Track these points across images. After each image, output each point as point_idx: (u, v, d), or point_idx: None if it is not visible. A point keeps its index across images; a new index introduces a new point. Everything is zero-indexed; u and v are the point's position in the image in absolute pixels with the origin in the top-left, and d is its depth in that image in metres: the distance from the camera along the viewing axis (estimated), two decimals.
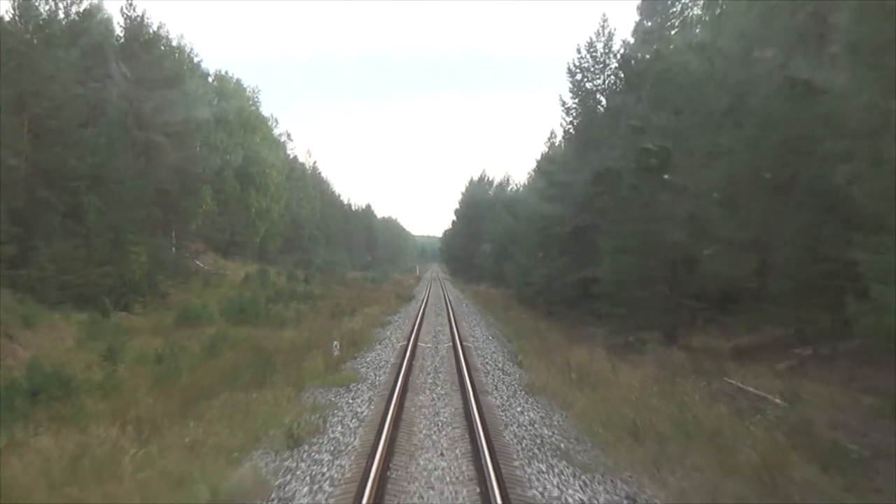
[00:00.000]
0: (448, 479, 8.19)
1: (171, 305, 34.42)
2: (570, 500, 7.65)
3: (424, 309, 36.39)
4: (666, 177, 22.31)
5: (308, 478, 8.20)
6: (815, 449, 10.60)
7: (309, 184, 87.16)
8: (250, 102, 70.36)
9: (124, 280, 32.39)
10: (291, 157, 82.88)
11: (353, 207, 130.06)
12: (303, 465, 8.76)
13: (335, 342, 19.57)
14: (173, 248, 44.91)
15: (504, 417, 11.73)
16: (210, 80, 64.36)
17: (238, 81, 68.29)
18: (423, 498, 7.48)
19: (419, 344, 21.36)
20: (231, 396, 13.01)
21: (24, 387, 11.53)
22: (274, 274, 52.67)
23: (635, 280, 22.82)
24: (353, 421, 11.25)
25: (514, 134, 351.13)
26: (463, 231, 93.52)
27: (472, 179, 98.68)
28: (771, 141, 17.78)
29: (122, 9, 40.27)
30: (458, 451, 9.32)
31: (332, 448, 9.51)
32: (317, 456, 9.15)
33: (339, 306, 36.40)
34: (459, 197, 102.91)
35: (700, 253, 22.18)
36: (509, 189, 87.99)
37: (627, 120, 26.23)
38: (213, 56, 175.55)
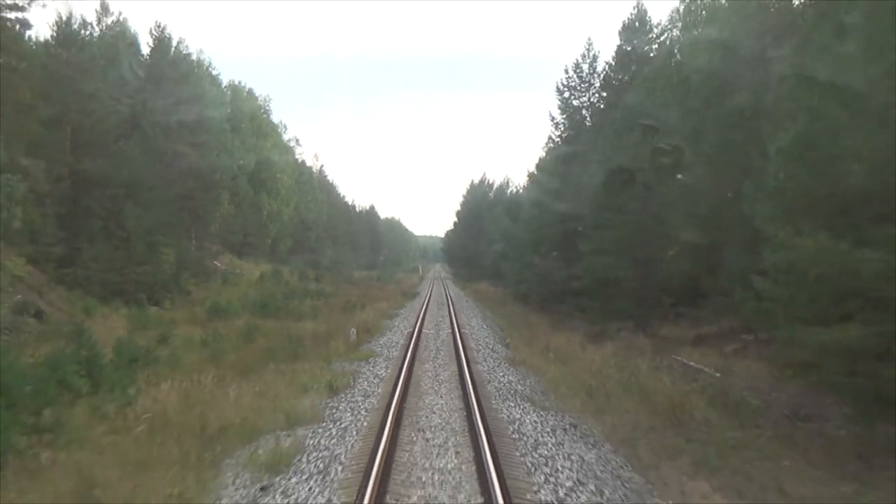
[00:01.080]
0: (444, 408, 11.87)
1: (194, 302, 38.05)
2: (527, 420, 11.31)
3: (427, 304, 40.04)
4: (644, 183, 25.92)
5: (349, 409, 11.89)
6: (726, 402, 14.27)
7: (316, 187, 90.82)
8: (262, 110, 74.12)
9: (156, 278, 36.04)
10: (300, 161, 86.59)
11: (357, 209, 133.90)
12: (343, 403, 12.43)
13: (352, 329, 23.22)
14: (194, 250, 48.56)
15: (488, 378, 15.40)
16: (224, 87, 68.00)
17: (250, 91, 72.19)
18: (428, 417, 11.14)
19: (423, 331, 25.02)
20: (276, 367, 16.62)
21: (124, 356, 15.13)
22: (287, 273, 56.35)
23: (610, 277, 26.41)
24: (375, 379, 14.94)
25: (517, 131, 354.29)
26: (464, 232, 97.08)
27: (472, 182, 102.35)
28: (721, 164, 21.34)
29: (150, 30, 43.99)
30: (452, 395, 13.00)
31: (362, 393, 13.22)
32: (352, 398, 12.83)
33: (350, 302, 40.05)
34: (461, 199, 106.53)
35: (665, 254, 25.77)
36: (509, 191, 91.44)
37: (606, 136, 29.84)
38: (218, 55, 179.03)
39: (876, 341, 10.46)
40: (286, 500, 7.39)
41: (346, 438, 9.90)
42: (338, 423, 10.93)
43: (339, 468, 8.41)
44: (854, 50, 11.28)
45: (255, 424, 10.45)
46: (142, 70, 42.42)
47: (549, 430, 10.85)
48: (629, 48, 35.26)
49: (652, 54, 35.02)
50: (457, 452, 9.11)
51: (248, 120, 67.77)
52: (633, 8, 34.12)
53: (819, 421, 12.94)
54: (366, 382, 14.57)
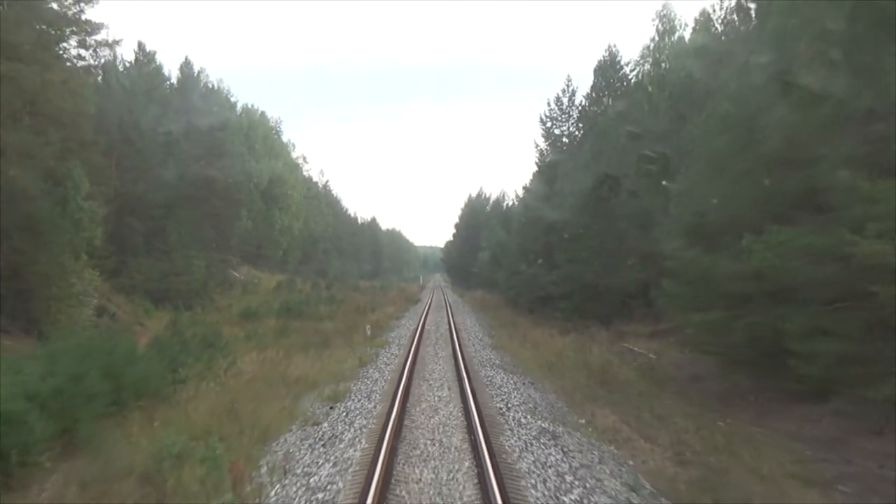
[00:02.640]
0: (441, 370, 17.23)
1: (219, 308, 43.29)
2: (498, 377, 16.63)
3: (428, 308, 45.36)
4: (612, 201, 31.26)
5: (376, 371, 17.25)
6: (650, 373, 19.56)
7: (322, 201, 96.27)
8: (273, 131, 79.68)
9: (190, 287, 41.36)
10: (307, 177, 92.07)
11: (359, 220, 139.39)
12: (370, 369, 17.77)
13: (367, 326, 28.50)
14: (218, 262, 53.84)
15: (475, 356, 20.73)
16: (238, 111, 73.47)
17: (263, 113, 77.73)
18: (430, 374, 16.46)
19: (426, 327, 30.38)
20: (314, 352, 21.86)
21: (203, 342, 20.35)
22: (300, 282, 61.65)
23: (580, 282, 31.70)
24: (391, 357, 20.31)
25: (517, 139, 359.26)
26: (462, 243, 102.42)
27: (470, 196, 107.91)
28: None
29: (180, 66, 49.51)
30: (447, 365, 18.34)
31: (383, 364, 18.60)
32: (376, 367, 18.23)
33: (360, 307, 45.27)
34: (459, 211, 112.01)
35: (625, 263, 31.04)
36: (505, 204, 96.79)
37: (582, 161, 35.25)
38: (214, 64, 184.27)
39: (728, 321, 15.74)
40: (351, 406, 12.70)
41: (378, 384, 15.27)
42: (370, 378, 16.28)
43: (378, 396, 13.76)
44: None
45: (315, 379, 15.77)
46: (173, 102, 47.79)
47: (511, 383, 16.17)
48: (603, 83, 40.64)
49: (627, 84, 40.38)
50: (449, 388, 14.47)
51: (261, 140, 73.27)
52: (606, 51, 39.55)
53: (706, 380, 18.26)
54: (384, 358, 19.94)
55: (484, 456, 8.92)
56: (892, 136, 11.64)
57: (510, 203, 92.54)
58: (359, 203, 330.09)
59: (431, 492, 7.90)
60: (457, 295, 77.37)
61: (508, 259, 52.76)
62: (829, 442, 11.92)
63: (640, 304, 32.45)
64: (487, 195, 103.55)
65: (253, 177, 65.55)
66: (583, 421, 13.26)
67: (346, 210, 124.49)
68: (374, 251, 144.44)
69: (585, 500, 7.83)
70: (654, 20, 41.57)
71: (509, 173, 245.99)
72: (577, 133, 40.77)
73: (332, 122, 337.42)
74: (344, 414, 12.38)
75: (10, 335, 23.47)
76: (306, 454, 9.68)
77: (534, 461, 9.32)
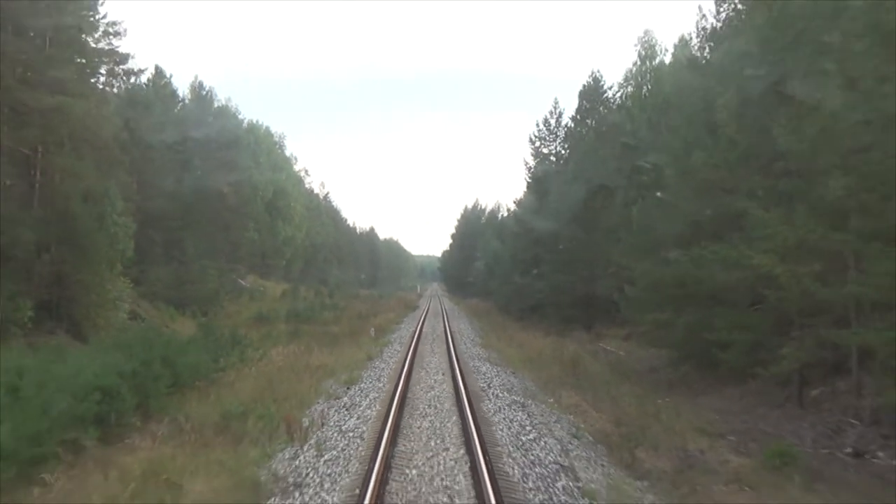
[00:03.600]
0: (437, 363, 20.55)
1: (229, 314, 46.46)
2: (484, 368, 19.91)
3: (426, 315, 48.65)
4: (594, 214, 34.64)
5: (381, 363, 20.62)
6: (617, 368, 22.81)
7: (323, 213, 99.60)
8: (277, 146, 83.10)
9: (204, 294, 44.57)
10: (309, 189, 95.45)
11: (357, 230, 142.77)
12: (377, 361, 21.12)
13: (372, 328, 31.78)
14: (227, 271, 57.11)
15: (466, 352, 24.04)
16: (244, 127, 76.77)
17: (267, 129, 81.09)
18: (428, 364, 19.75)
19: (423, 330, 33.64)
20: (327, 349, 25.09)
21: (229, 340, 23.57)
22: (304, 290, 64.90)
23: (564, 290, 35.04)
24: (394, 352, 23.61)
25: (512, 151, 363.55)
26: (459, 253, 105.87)
27: (466, 207, 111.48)
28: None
29: (191, 86, 52.91)
30: (442, 358, 21.67)
31: (388, 358, 21.92)
32: (382, 360, 21.56)
33: (362, 313, 48.51)
34: (455, 222, 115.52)
35: (605, 272, 34.36)
36: (499, 215, 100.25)
37: (567, 179, 38.63)
38: (211, 73, 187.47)
39: (673, 320, 19.05)
40: (364, 386, 16.00)
41: (385, 371, 18.61)
42: (377, 368, 19.63)
43: (385, 379, 17.09)
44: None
45: (332, 368, 19.05)
46: (187, 121, 51.10)
47: (494, 372, 19.49)
48: (587, 106, 44.05)
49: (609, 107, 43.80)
50: (442, 374, 17.80)
51: (265, 155, 76.64)
52: (590, 76, 42.97)
53: (660, 371, 21.58)
54: (388, 354, 23.26)
55: (467, 413, 12.18)
56: (788, 173, 15.03)
57: (504, 214, 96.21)
58: (357, 211, 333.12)
59: (429, 433, 11.18)
60: (453, 303, 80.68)
61: (501, 269, 56.12)
62: (738, 412, 15.24)
63: (618, 310, 35.82)
64: (483, 206, 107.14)
65: (258, 190, 68.81)
66: (550, 399, 16.50)
67: (346, 220, 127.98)
68: (373, 260, 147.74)
69: (538, 439, 11.10)
70: (636, 45, 45.09)
71: (505, 184, 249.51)
72: (563, 152, 44.17)
73: (328, 131, 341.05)
74: (359, 391, 15.67)
75: (56, 336, 26.62)
76: (335, 414, 12.97)
77: (504, 418, 12.61)
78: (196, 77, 56.83)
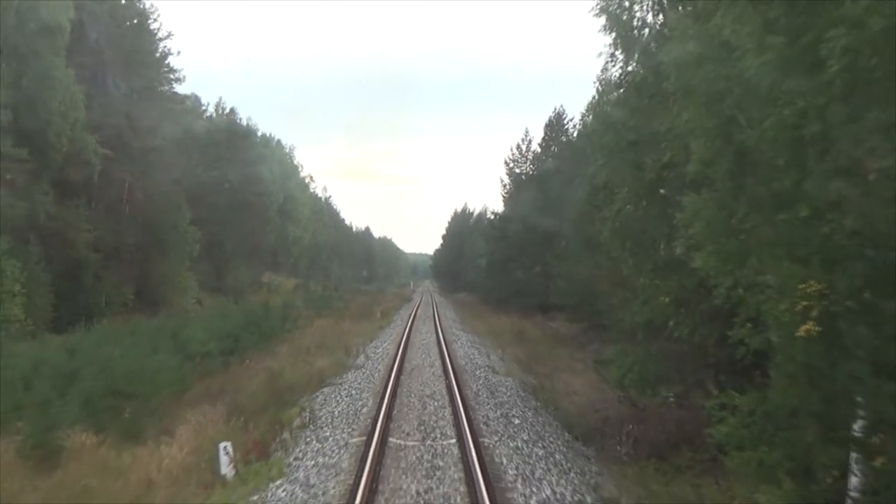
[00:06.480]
0: (427, 331, 30.90)
1: (258, 302, 56.34)
2: (459, 334, 30.17)
3: (419, 305, 58.90)
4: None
5: (390, 330, 30.99)
6: (552, 336, 33.06)
7: (326, 215, 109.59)
8: (287, 156, 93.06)
9: (237, 286, 54.59)
10: (313, 194, 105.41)
11: (354, 229, 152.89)
12: (387, 329, 31.38)
13: (378, 312, 41.89)
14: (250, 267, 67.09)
15: (448, 327, 34.40)
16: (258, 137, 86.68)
17: (279, 141, 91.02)
18: (420, 335, 29.99)
19: (417, 314, 43.86)
20: (347, 325, 35.10)
21: (277, 315, 33.54)
22: (312, 285, 74.97)
23: (526, 285, 45.17)
24: (396, 328, 33.86)
25: (504, 146, 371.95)
26: (449, 253, 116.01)
27: (456, 210, 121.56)
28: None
29: (216, 106, 63.05)
30: (431, 329, 31.99)
31: (393, 328, 32.17)
32: (389, 330, 31.72)
33: (365, 303, 58.60)
34: (446, 224, 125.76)
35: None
36: (486, 218, 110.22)
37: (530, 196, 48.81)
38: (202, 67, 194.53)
39: (581, 302, 29.11)
40: (381, 338, 26.25)
41: (393, 333, 28.92)
42: (387, 331, 29.86)
43: (394, 335, 27.34)
44: None
45: (357, 332, 29.19)
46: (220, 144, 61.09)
47: (465, 336, 29.89)
48: (551, 136, 54.22)
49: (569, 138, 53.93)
50: (430, 335, 28.04)
51: (277, 164, 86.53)
52: (553, 111, 53.19)
53: (578, 338, 31.74)
54: (392, 327, 33.49)
55: (444, 348, 22.42)
56: None
57: (491, 217, 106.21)
58: (351, 209, 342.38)
59: (422, 354, 21.41)
60: (442, 297, 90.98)
61: (483, 267, 66.39)
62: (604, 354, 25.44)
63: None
64: (471, 210, 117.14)
65: (272, 196, 78.73)
66: (499, 351, 26.67)
67: (344, 220, 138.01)
68: (368, 258, 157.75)
69: (479, 356, 21.30)
70: (594, 82, 55.23)
71: (494, 183, 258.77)
72: (532, 172, 54.36)
73: (323, 126, 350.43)
74: (379, 341, 25.89)
75: (143, 313, 36.52)
76: (369, 348, 23.17)
77: (465, 353, 22.96)
78: (220, 98, 67.45)
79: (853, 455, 7.39)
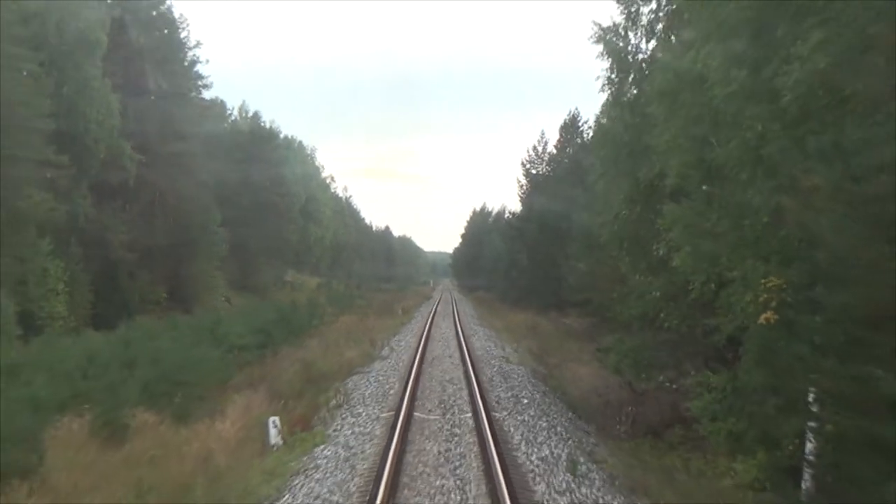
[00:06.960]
0: (447, 325, 32.45)
1: (283, 300, 58.22)
2: (476, 328, 31.69)
3: (439, 302, 60.56)
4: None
5: (411, 325, 32.49)
6: (565, 331, 34.53)
7: (346, 214, 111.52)
8: (309, 158, 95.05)
9: (262, 284, 56.46)
10: (334, 194, 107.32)
11: (374, 228, 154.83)
12: (408, 326, 32.94)
13: (400, 309, 43.52)
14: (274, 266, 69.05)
15: (466, 322, 35.95)
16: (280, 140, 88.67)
17: (301, 143, 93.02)
18: (440, 330, 31.58)
19: (437, 310, 45.44)
20: (371, 320, 36.72)
21: (304, 312, 35.21)
22: (334, 283, 76.83)
23: (541, 283, 46.56)
24: (417, 323, 35.46)
25: (522, 143, 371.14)
26: (468, 251, 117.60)
27: (475, 210, 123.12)
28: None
29: (240, 110, 65.02)
30: (450, 323, 33.57)
31: (415, 323, 33.72)
32: (410, 326, 33.36)
33: (387, 301, 60.26)
34: (465, 223, 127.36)
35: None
36: (505, 217, 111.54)
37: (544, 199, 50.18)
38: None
39: (592, 298, 30.55)
40: (404, 332, 27.83)
41: (414, 328, 30.50)
42: (409, 326, 31.45)
43: (416, 330, 28.90)
44: None
45: (381, 328, 30.78)
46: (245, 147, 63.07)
47: (482, 330, 31.44)
48: (567, 137, 55.50)
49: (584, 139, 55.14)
50: (450, 329, 29.55)
51: (300, 166, 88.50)
52: (568, 112, 54.48)
53: (589, 332, 33.11)
54: (414, 323, 35.09)
55: (462, 341, 23.93)
56: None
57: (508, 216, 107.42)
58: (370, 208, 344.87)
59: (441, 346, 22.94)
60: (461, 294, 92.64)
61: (501, 265, 67.80)
62: None
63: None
64: (490, 209, 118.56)
65: (294, 197, 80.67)
66: (514, 344, 28.13)
67: (364, 219, 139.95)
68: (388, 257, 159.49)
69: (495, 348, 22.80)
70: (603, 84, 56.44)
71: (514, 182, 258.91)
72: (548, 173, 55.67)
73: (343, 127, 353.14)
74: (402, 335, 27.46)
75: (175, 311, 38.28)
76: (393, 341, 24.74)
77: (481, 344, 24.43)
78: (244, 102, 69.94)
79: (809, 424, 8.80)
